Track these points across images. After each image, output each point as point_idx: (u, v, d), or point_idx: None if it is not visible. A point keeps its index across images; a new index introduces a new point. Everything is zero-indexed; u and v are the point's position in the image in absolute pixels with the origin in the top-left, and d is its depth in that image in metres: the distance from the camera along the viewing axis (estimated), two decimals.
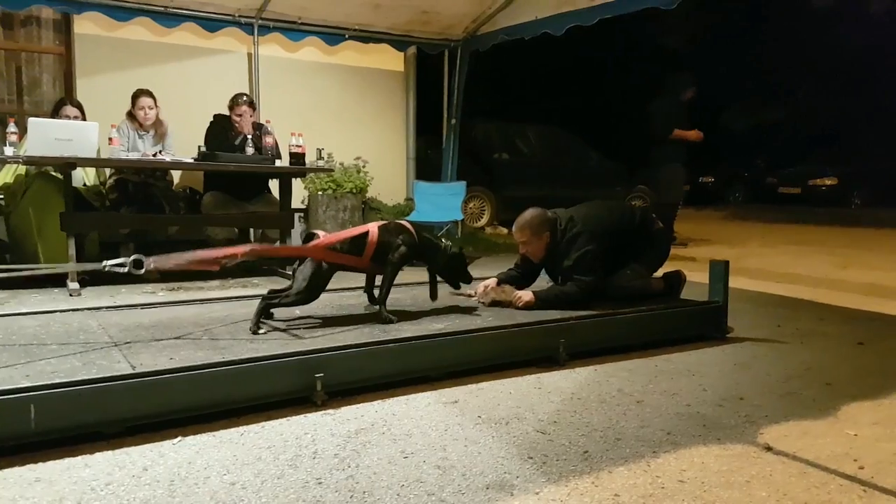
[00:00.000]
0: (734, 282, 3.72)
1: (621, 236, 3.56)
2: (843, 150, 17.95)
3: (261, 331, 2.80)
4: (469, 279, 3.43)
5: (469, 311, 3.30)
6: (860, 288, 5.16)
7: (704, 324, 3.41)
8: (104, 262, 2.53)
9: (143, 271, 2.50)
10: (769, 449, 2.05)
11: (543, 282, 3.71)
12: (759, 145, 20.86)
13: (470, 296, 3.57)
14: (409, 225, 3.20)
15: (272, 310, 2.99)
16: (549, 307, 3.29)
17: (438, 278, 3.36)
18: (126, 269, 2.48)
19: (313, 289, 2.90)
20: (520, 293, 3.41)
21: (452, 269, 3.34)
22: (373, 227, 3.06)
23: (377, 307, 3.08)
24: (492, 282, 3.58)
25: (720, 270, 3.42)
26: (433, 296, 3.33)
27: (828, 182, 17.08)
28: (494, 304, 3.43)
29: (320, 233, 3.04)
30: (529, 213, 3.54)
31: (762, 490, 1.78)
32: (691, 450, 2.03)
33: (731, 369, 2.91)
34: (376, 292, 3.14)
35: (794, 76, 21.81)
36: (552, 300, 3.34)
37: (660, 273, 3.76)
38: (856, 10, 19.31)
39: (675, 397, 2.52)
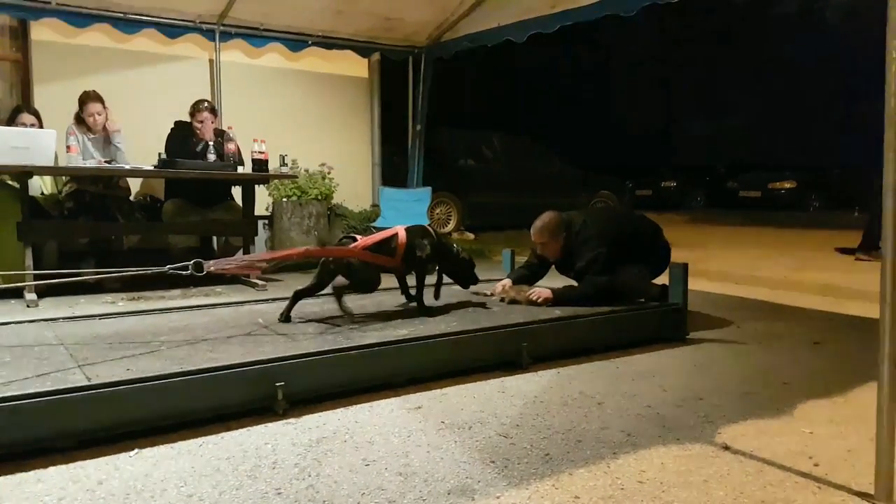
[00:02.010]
0: (694, 284, 3.79)
1: (630, 242, 3.76)
2: (801, 154, 18.43)
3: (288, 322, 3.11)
4: (476, 281, 3.67)
5: (448, 311, 3.39)
6: (816, 289, 5.29)
7: (664, 326, 3.46)
8: (167, 267, 2.71)
9: (203, 273, 2.71)
10: (727, 448, 2.09)
11: (553, 280, 3.87)
12: (720, 150, 21.28)
13: (490, 294, 3.79)
14: (430, 228, 3.49)
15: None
16: (566, 304, 3.48)
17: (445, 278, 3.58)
18: (189, 273, 2.68)
19: (371, 282, 3.20)
20: (538, 290, 3.61)
21: (462, 272, 3.59)
22: (400, 230, 3.30)
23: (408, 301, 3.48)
24: (507, 282, 3.83)
25: (679, 273, 3.48)
26: (437, 295, 3.52)
27: (787, 185, 17.49)
28: (514, 301, 3.61)
29: (357, 237, 3.28)
30: (547, 217, 3.76)
31: (720, 489, 1.81)
32: (651, 450, 2.06)
33: (690, 370, 2.96)
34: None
35: (753, 82, 22.34)
36: (569, 297, 3.53)
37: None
38: (813, 18, 19.88)
39: (635, 399, 2.55)
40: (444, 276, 3.56)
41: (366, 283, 3.20)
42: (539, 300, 3.53)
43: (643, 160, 20.54)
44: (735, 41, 22.07)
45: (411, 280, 3.45)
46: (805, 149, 18.86)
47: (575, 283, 3.75)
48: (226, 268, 3.00)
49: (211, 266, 2.77)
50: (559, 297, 3.53)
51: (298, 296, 3.21)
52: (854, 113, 17.46)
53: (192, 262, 2.72)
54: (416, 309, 3.37)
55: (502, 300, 3.68)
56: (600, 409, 2.43)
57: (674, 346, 3.35)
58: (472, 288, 3.73)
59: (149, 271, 2.93)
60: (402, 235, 3.27)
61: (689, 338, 3.48)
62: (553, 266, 3.92)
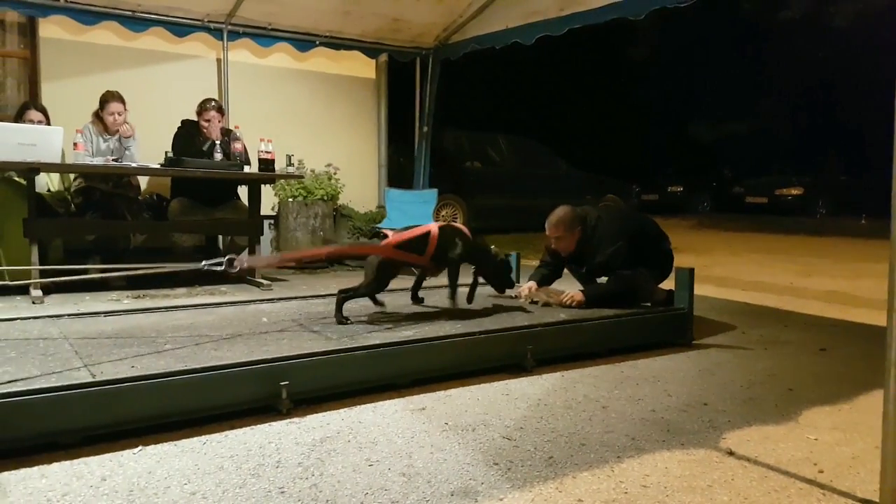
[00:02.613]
0: (700, 289, 3.79)
1: (642, 241, 3.78)
2: (809, 161, 18.39)
3: (347, 321, 3.06)
4: (511, 284, 3.68)
5: (462, 315, 3.34)
6: (822, 296, 5.28)
7: (670, 330, 3.46)
8: (203, 262, 2.75)
9: (236, 270, 2.77)
10: (731, 454, 2.08)
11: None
12: (727, 155, 21.25)
13: (514, 297, 3.80)
14: (464, 228, 3.45)
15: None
16: (599, 305, 3.51)
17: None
18: (223, 268, 2.75)
19: (381, 278, 3.17)
20: (570, 293, 3.62)
21: (498, 274, 3.56)
22: (433, 228, 3.28)
23: (412, 303, 3.51)
24: (532, 284, 3.86)
25: (685, 278, 3.47)
26: (470, 298, 3.48)
27: (794, 192, 17.45)
28: (546, 304, 3.63)
29: (389, 232, 3.31)
30: (562, 211, 3.76)
31: (724, 494, 1.80)
32: (655, 455, 2.06)
33: (695, 375, 2.95)
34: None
35: (761, 88, 22.28)
36: (600, 296, 3.57)
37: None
38: (820, 24, 19.81)
39: (639, 403, 2.54)
40: (479, 278, 3.53)
41: (375, 281, 3.16)
42: (573, 304, 3.55)
43: (650, 164, 20.53)
44: (742, 46, 22.03)
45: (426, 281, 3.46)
46: (813, 155, 18.81)
47: (586, 280, 3.79)
48: (258, 265, 3.08)
49: (245, 262, 2.85)
50: (591, 299, 3.55)
51: (365, 295, 3.21)
52: (864, 119, 17.39)
53: (225, 258, 2.76)
54: (448, 309, 3.36)
55: (534, 302, 3.68)
56: (605, 412, 2.43)
57: (679, 351, 3.34)
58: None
59: (185, 268, 3.00)
60: (435, 234, 3.24)
61: (695, 343, 3.48)
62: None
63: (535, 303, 3.68)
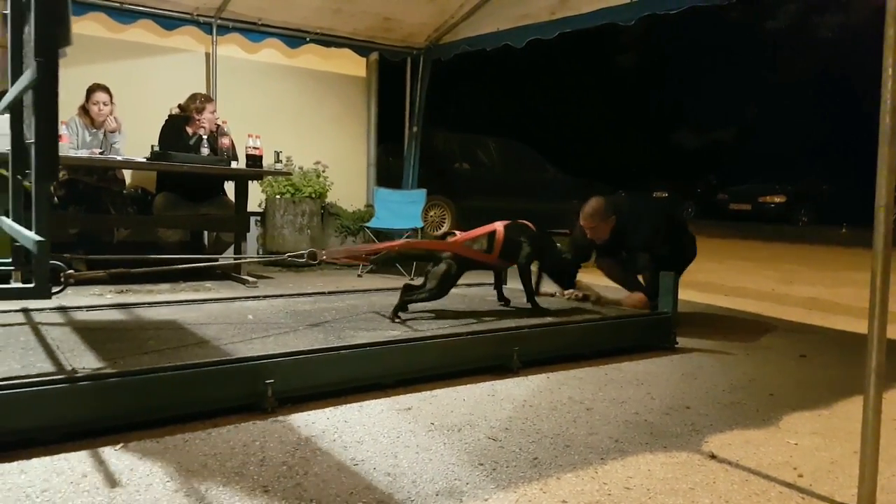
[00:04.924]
0: (683, 294, 3.82)
1: (671, 223, 4.02)
2: (792, 169, 18.60)
3: (396, 320, 3.13)
4: (573, 283, 3.81)
5: (449, 315, 3.36)
6: (803, 302, 5.34)
7: (653, 334, 3.48)
8: (286, 254, 2.99)
9: (318, 262, 2.98)
10: (713, 457, 2.10)
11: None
12: (712, 162, 21.44)
13: (554, 294, 3.88)
14: (529, 224, 3.49)
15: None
16: (655, 297, 3.62)
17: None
18: (304, 260, 2.95)
19: (444, 286, 3.23)
20: (636, 297, 3.85)
21: (561, 272, 3.65)
22: (499, 227, 3.36)
23: (501, 304, 3.59)
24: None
25: (669, 283, 3.50)
26: (536, 292, 3.57)
27: (777, 199, 17.65)
28: (596, 301, 3.78)
29: (456, 232, 3.43)
30: (595, 202, 3.94)
31: (705, 497, 1.82)
32: (638, 457, 2.07)
33: (678, 379, 2.98)
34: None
35: (747, 96, 22.50)
36: (653, 291, 3.67)
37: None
38: (806, 33, 20.04)
39: (623, 405, 2.56)
40: (541, 276, 3.60)
41: (438, 288, 3.22)
42: (641, 305, 3.72)
43: (636, 169, 20.65)
44: (729, 53, 22.23)
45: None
46: (796, 164, 19.03)
47: (629, 264, 3.99)
48: (336, 258, 3.33)
49: (324, 255, 3.10)
50: (653, 298, 3.66)
51: (427, 300, 3.25)
52: (846, 129, 17.63)
53: (307, 250, 2.94)
54: (531, 310, 3.42)
55: (584, 299, 3.76)
56: (589, 414, 2.44)
57: (662, 355, 3.36)
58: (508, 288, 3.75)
59: (269, 258, 3.18)
60: (501, 232, 3.31)
61: (678, 347, 3.50)
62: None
63: (586, 298, 3.77)
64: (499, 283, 3.67)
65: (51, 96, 2.06)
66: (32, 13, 2.17)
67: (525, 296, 3.52)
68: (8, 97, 2.71)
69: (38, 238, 2.18)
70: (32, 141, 2.17)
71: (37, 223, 2.26)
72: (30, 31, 2.25)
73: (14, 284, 2.89)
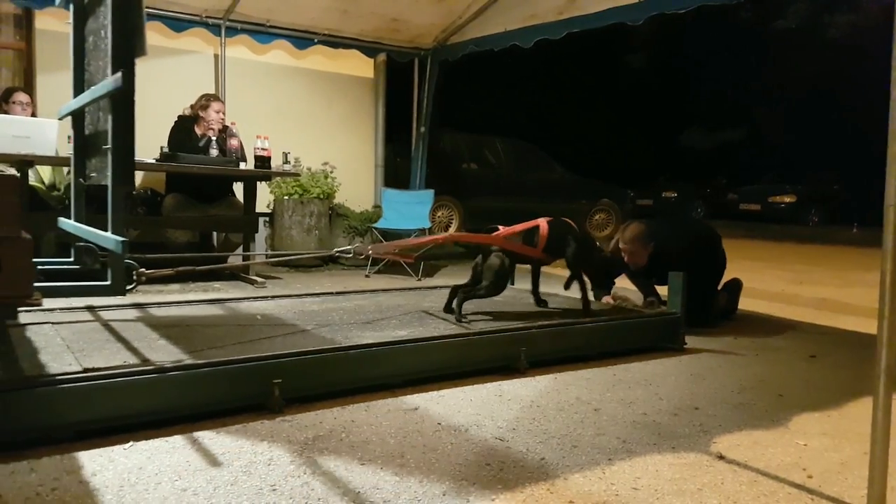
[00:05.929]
0: None
1: (704, 247, 4.12)
2: (802, 169, 18.50)
3: (463, 320, 3.18)
4: (612, 285, 3.94)
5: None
6: (813, 303, 5.31)
7: (662, 335, 3.47)
8: (334, 250, 3.04)
9: (362, 256, 3.10)
10: (721, 458, 2.09)
11: None
12: (721, 162, 21.35)
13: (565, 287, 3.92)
14: (571, 222, 3.52)
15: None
16: (696, 324, 3.71)
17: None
18: (351, 255, 3.06)
19: (500, 282, 3.27)
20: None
21: (602, 272, 3.68)
22: (542, 222, 3.40)
23: (539, 306, 3.62)
24: (608, 299, 4.10)
25: (678, 283, 3.48)
26: (568, 285, 3.56)
27: (787, 200, 17.55)
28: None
29: (500, 227, 3.39)
30: (636, 228, 3.99)
31: (713, 498, 1.81)
32: (646, 458, 2.06)
33: (686, 380, 2.97)
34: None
35: (757, 96, 22.39)
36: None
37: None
38: (816, 34, 19.92)
39: (631, 406, 2.55)
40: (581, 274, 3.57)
41: (494, 285, 3.24)
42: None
43: (645, 169, 20.59)
44: (738, 54, 22.12)
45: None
46: (806, 164, 18.92)
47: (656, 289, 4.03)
48: (380, 253, 3.42)
49: (369, 250, 3.23)
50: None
51: (485, 297, 3.29)
52: (857, 128, 17.50)
53: (354, 246, 2.99)
54: (582, 311, 3.44)
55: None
56: (596, 415, 2.44)
57: (671, 356, 3.35)
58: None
59: (316, 254, 3.22)
60: (545, 227, 3.35)
61: (687, 348, 3.49)
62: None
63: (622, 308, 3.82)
64: (536, 285, 3.67)
65: (129, 105, 2.12)
66: (110, 26, 2.25)
67: (580, 294, 3.51)
68: (74, 104, 2.77)
69: (120, 238, 2.29)
70: (109, 147, 2.23)
71: (113, 224, 2.38)
72: (107, 42, 2.32)
73: (86, 283, 2.97)
